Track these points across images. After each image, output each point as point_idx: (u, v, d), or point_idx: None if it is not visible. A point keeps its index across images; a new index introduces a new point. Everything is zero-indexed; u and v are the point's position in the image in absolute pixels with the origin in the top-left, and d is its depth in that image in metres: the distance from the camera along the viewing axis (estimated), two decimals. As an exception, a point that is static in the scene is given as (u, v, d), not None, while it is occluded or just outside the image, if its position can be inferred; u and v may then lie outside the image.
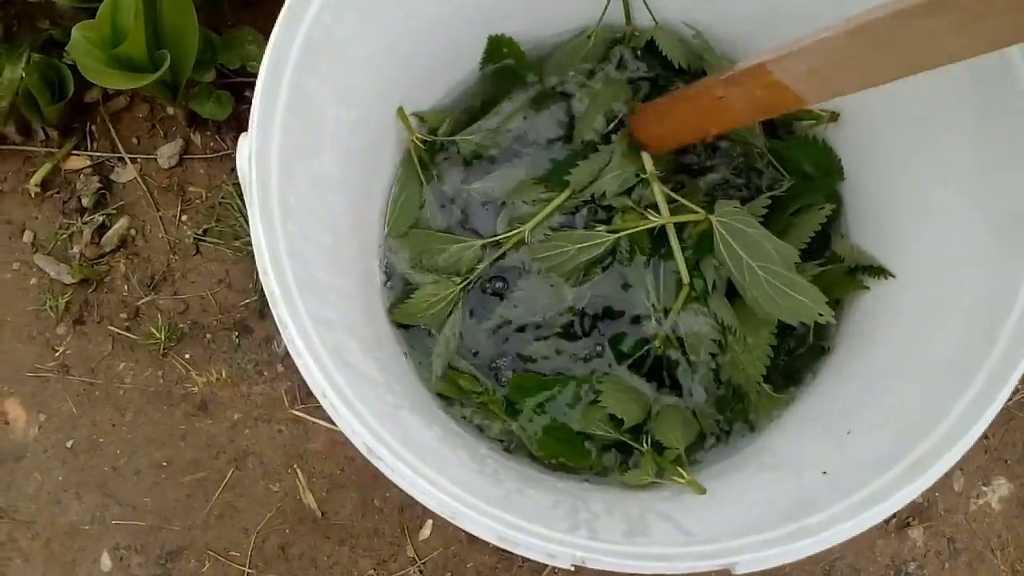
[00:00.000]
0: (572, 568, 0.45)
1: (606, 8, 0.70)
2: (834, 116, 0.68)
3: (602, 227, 0.67)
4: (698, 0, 0.70)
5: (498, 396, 0.66)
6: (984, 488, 0.88)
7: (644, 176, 0.66)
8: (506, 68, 0.72)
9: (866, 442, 0.53)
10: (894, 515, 0.87)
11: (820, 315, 0.57)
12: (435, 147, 0.71)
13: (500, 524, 0.45)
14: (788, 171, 0.70)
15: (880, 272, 0.63)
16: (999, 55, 0.50)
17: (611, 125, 0.71)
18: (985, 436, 0.89)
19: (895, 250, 0.62)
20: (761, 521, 0.48)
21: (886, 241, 0.63)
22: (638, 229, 0.65)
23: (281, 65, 0.51)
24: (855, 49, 0.46)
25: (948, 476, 0.88)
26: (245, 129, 0.49)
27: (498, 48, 0.71)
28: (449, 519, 0.45)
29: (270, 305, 0.48)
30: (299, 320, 0.47)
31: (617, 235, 0.66)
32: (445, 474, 0.48)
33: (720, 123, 0.61)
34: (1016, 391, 0.90)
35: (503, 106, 0.71)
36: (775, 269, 0.58)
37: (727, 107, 0.58)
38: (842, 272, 0.65)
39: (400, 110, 0.67)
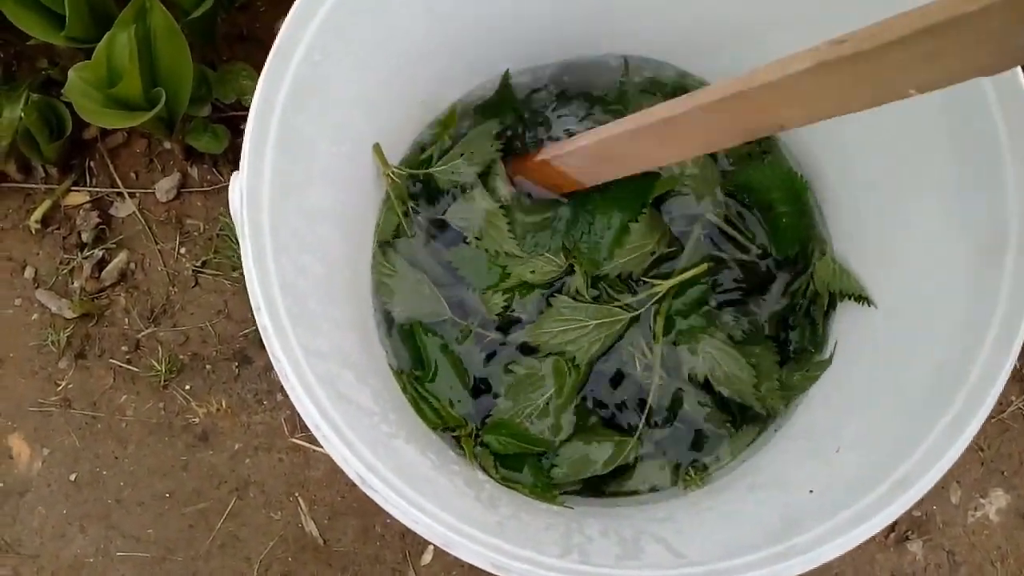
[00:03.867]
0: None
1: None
2: None
3: (618, 301, 0.68)
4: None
5: (473, 431, 0.67)
6: (982, 500, 0.89)
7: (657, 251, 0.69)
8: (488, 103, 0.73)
9: (851, 461, 0.53)
10: (892, 529, 0.87)
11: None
12: (415, 181, 0.72)
13: (494, 552, 0.45)
14: (757, 201, 0.71)
15: (862, 299, 0.64)
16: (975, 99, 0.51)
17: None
18: (981, 448, 0.90)
19: (876, 270, 0.63)
20: (750, 542, 0.48)
21: (867, 262, 0.64)
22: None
23: (270, 105, 0.52)
24: (603, 152, 0.61)
25: (945, 489, 0.89)
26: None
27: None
28: (443, 548, 0.46)
29: (263, 340, 0.49)
30: (292, 354, 0.48)
31: (639, 311, 0.67)
32: (439, 502, 0.48)
33: (613, 172, 0.67)
34: (1011, 402, 0.91)
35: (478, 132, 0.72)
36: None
37: (550, 177, 0.68)
38: (804, 369, 0.67)
39: (376, 146, 0.67)
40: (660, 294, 0.67)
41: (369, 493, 0.46)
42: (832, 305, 0.69)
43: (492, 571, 0.45)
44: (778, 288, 0.71)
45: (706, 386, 0.68)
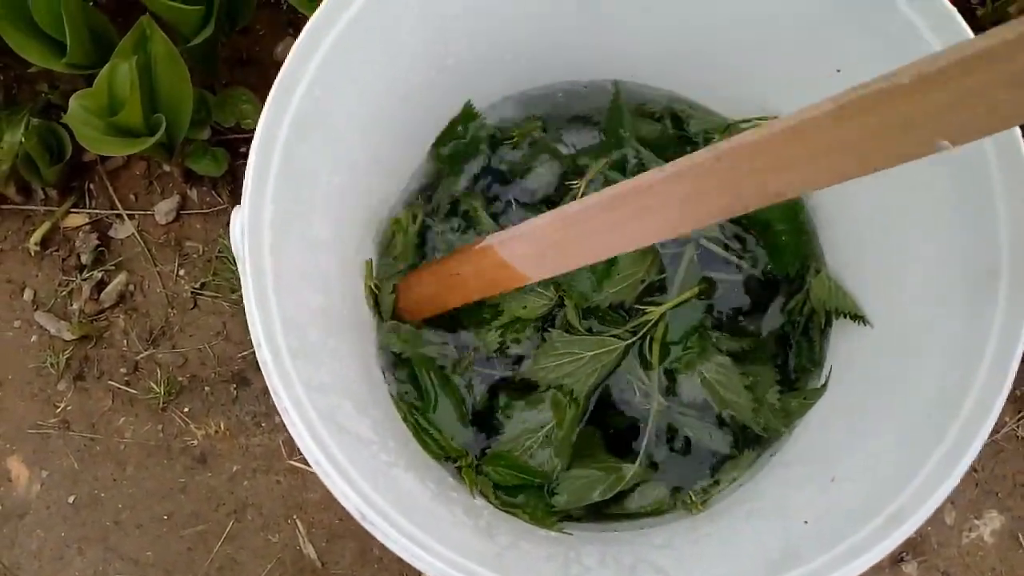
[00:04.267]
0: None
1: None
2: None
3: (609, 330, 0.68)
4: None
5: (473, 462, 0.67)
6: (976, 521, 0.89)
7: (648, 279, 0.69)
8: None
9: (847, 491, 0.54)
10: (888, 550, 0.87)
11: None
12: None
13: (493, 586, 0.46)
14: (754, 220, 0.71)
15: (857, 318, 0.64)
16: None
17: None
18: (975, 470, 0.90)
19: (874, 300, 0.63)
20: (749, 573, 0.49)
21: (866, 292, 0.65)
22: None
23: (272, 139, 0.53)
24: (563, 235, 0.53)
25: (940, 510, 0.89)
26: (241, 185, 0.51)
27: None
28: (442, 582, 0.46)
29: (264, 375, 0.49)
30: (292, 389, 0.48)
31: (633, 339, 0.68)
32: (438, 535, 0.49)
33: (457, 298, 0.65)
34: (1005, 423, 0.91)
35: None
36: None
37: (464, 283, 0.62)
38: (802, 396, 0.68)
39: (368, 263, 0.69)
40: (653, 321, 0.68)
41: (369, 528, 0.47)
42: (828, 323, 0.69)
43: (492, 606, 0.45)
44: (775, 307, 0.71)
45: (705, 410, 0.69)
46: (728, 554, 0.56)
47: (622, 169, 0.72)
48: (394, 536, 0.46)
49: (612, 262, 0.67)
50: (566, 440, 0.68)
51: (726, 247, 0.72)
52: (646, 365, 0.68)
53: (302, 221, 0.57)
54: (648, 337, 0.69)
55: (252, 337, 0.49)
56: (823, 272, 0.68)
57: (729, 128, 0.73)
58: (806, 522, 0.54)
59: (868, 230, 0.65)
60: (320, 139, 0.58)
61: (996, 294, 0.50)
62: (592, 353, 0.67)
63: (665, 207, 0.45)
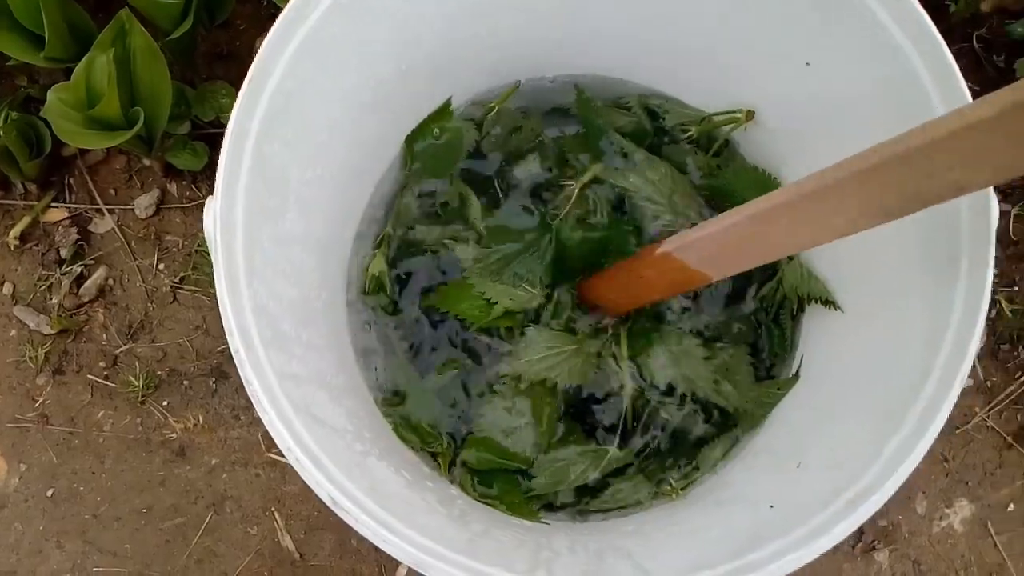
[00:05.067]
0: (531, 609, 0.47)
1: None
2: (750, 114, 0.72)
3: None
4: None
5: (448, 451, 0.68)
6: (947, 510, 0.91)
7: None
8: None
9: (810, 477, 0.55)
10: (859, 539, 0.89)
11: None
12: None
13: (463, 571, 0.47)
14: (733, 203, 0.72)
15: (829, 303, 0.66)
16: (924, 103, 0.54)
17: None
18: (946, 459, 0.92)
19: (841, 286, 0.65)
20: (713, 557, 0.50)
21: (835, 284, 0.66)
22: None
23: (245, 132, 0.53)
24: (734, 240, 0.53)
25: (911, 499, 0.91)
26: None
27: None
28: (414, 568, 0.47)
29: (236, 364, 0.50)
30: (264, 379, 0.49)
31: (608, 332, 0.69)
32: (411, 522, 0.50)
33: (650, 296, 0.67)
34: (975, 414, 0.93)
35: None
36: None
37: (650, 284, 0.63)
38: (775, 387, 0.69)
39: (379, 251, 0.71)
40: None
41: (340, 514, 0.48)
42: (801, 309, 0.71)
43: (460, 589, 0.46)
44: (747, 293, 0.73)
45: (680, 398, 0.70)
46: (696, 539, 0.57)
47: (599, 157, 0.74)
48: (364, 520, 0.46)
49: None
50: (545, 435, 0.69)
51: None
52: (618, 355, 0.69)
53: (275, 214, 0.58)
54: (624, 330, 0.70)
55: (224, 326, 0.50)
56: (795, 258, 0.69)
57: (703, 121, 0.74)
58: (772, 507, 0.55)
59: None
60: (292, 133, 0.58)
61: (956, 281, 0.51)
62: (574, 347, 0.68)
63: (847, 207, 0.45)
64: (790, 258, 0.70)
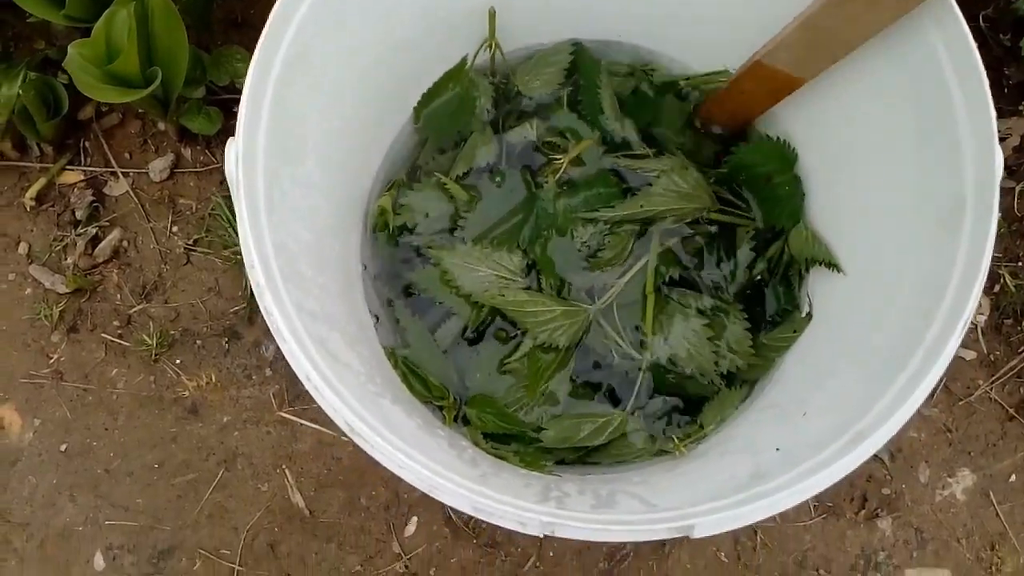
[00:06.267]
0: (542, 536, 0.48)
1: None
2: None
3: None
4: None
5: (456, 404, 0.70)
6: (949, 480, 0.92)
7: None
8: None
9: (816, 422, 0.56)
10: (863, 506, 0.90)
11: None
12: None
13: (475, 495, 0.48)
14: (752, 176, 0.74)
15: (832, 266, 0.67)
16: (931, 62, 0.55)
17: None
18: (949, 430, 0.93)
19: (845, 242, 0.66)
20: (719, 492, 0.51)
21: (839, 235, 0.67)
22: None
23: (265, 76, 0.54)
24: (811, 35, 0.59)
25: (914, 468, 0.92)
26: None
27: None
28: (427, 492, 0.48)
29: (256, 297, 0.51)
30: (284, 309, 0.50)
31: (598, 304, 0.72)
32: (424, 453, 0.51)
33: (756, 109, 0.72)
34: (978, 386, 0.94)
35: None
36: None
37: (753, 96, 0.70)
38: (791, 329, 0.70)
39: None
40: (615, 289, 0.72)
41: (356, 440, 0.49)
42: (807, 269, 0.72)
43: (472, 513, 0.47)
44: (744, 258, 0.74)
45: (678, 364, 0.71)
46: (701, 483, 0.58)
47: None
48: (381, 445, 0.47)
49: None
50: (548, 390, 0.70)
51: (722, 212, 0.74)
52: (616, 328, 0.71)
53: (294, 158, 0.59)
54: (613, 303, 0.72)
55: (245, 259, 0.51)
56: (801, 222, 0.70)
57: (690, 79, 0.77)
58: (777, 450, 0.56)
59: (842, 178, 0.67)
60: (311, 80, 0.59)
61: (960, 231, 0.52)
62: (563, 308, 0.70)
63: None
64: (796, 222, 0.71)
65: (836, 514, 0.90)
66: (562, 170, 0.74)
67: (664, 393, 0.71)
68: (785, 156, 0.72)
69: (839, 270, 0.67)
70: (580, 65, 0.77)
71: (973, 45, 0.52)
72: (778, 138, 0.72)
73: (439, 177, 0.74)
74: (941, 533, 0.90)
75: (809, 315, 0.69)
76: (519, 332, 0.72)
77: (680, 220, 0.73)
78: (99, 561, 0.86)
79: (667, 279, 0.72)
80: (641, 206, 0.71)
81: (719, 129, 0.77)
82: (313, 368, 0.49)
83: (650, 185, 0.72)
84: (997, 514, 0.91)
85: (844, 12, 0.56)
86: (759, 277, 0.73)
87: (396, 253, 0.74)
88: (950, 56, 0.54)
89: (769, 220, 0.74)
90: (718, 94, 0.73)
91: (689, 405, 0.71)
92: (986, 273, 0.51)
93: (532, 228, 0.73)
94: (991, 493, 0.91)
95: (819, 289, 0.69)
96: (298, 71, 0.57)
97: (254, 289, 0.51)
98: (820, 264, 0.68)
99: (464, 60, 0.75)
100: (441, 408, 0.70)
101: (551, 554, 0.87)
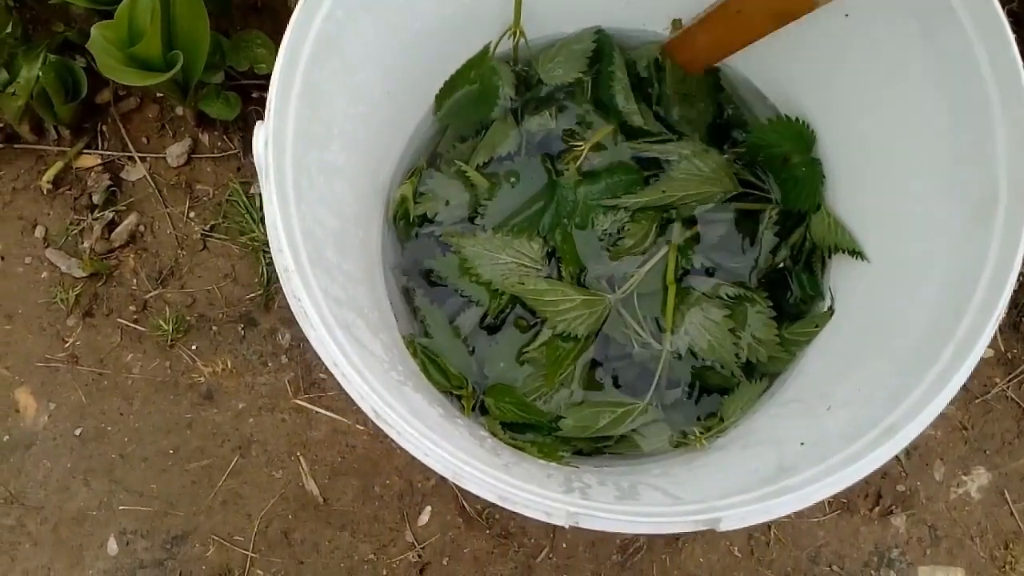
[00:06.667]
0: (568, 527, 0.48)
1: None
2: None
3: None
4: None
5: (474, 393, 0.70)
6: (964, 477, 0.91)
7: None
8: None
9: (842, 415, 0.56)
10: (877, 503, 0.90)
11: None
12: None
13: (500, 483, 0.47)
14: (770, 156, 0.73)
15: (856, 254, 0.66)
16: (965, 50, 0.54)
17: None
18: (965, 428, 0.92)
19: (873, 233, 0.65)
20: (744, 485, 0.51)
21: (865, 224, 0.66)
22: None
23: (295, 57, 0.54)
24: None
25: (929, 466, 0.91)
26: (252, 129, 0.53)
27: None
28: (452, 479, 0.48)
29: (282, 282, 0.51)
30: (312, 294, 0.50)
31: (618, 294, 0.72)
32: (449, 441, 0.50)
33: (744, 37, 0.66)
34: (995, 384, 0.94)
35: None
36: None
37: (749, 20, 0.63)
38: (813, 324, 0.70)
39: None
40: (635, 279, 0.72)
41: (383, 427, 0.48)
42: (830, 255, 0.71)
43: (498, 502, 0.47)
44: (766, 246, 0.74)
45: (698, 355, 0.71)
46: (725, 474, 0.58)
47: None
48: (408, 432, 0.47)
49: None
50: (567, 378, 0.70)
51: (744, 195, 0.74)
52: (636, 318, 0.70)
53: (321, 142, 0.59)
54: (633, 292, 0.71)
55: (272, 244, 0.51)
56: (823, 207, 0.70)
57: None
58: (802, 444, 0.55)
59: (867, 165, 0.67)
60: (339, 64, 0.59)
61: (993, 222, 0.52)
62: (583, 298, 0.69)
63: None
64: (819, 206, 0.71)
65: (850, 510, 0.90)
66: (582, 157, 0.74)
67: (684, 384, 0.71)
68: (803, 136, 0.71)
69: (863, 257, 0.66)
70: (601, 52, 0.76)
71: (1010, 36, 0.51)
72: (796, 119, 0.71)
73: (460, 165, 0.73)
74: (955, 531, 0.90)
75: (831, 309, 0.68)
76: (538, 321, 0.72)
77: (702, 204, 0.73)
78: (112, 546, 0.86)
79: (689, 268, 0.72)
80: (663, 191, 0.71)
81: (683, 68, 0.73)
82: (341, 353, 0.49)
83: (671, 170, 0.72)
84: (1012, 513, 0.91)
85: None
86: (782, 264, 0.72)
87: (417, 242, 0.74)
88: (985, 46, 0.53)
89: (789, 202, 0.73)
90: (705, 16, 0.68)
91: (710, 397, 0.71)
92: (1019, 268, 0.51)
93: (552, 216, 0.73)
94: (1006, 492, 0.91)
95: (843, 280, 0.69)
96: (327, 54, 0.57)
97: (281, 274, 0.50)
98: (843, 251, 0.68)
99: (486, 48, 0.74)
100: (459, 398, 0.70)
101: (564, 545, 0.87)
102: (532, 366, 0.71)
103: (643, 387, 0.70)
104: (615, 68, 0.74)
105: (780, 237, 0.73)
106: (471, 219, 0.74)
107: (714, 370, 0.70)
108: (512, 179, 0.75)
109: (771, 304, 0.69)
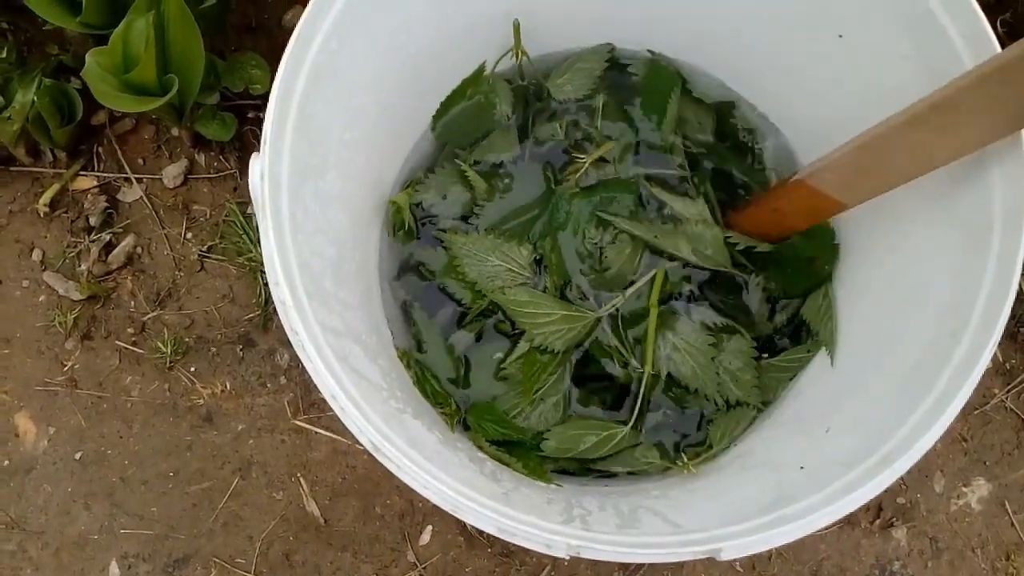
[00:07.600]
0: (567, 558, 0.48)
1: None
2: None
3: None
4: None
5: (457, 412, 0.70)
6: (964, 489, 0.91)
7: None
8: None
9: (840, 441, 0.56)
10: (878, 515, 0.90)
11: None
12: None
13: (499, 516, 0.47)
14: (795, 256, 0.73)
15: (827, 349, 0.68)
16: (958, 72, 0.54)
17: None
18: (964, 439, 0.92)
19: (868, 255, 0.65)
20: (744, 513, 0.51)
21: (861, 245, 0.67)
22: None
23: (291, 88, 0.54)
24: (867, 160, 0.55)
25: (929, 477, 0.91)
26: (248, 149, 0.53)
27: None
28: (451, 512, 0.48)
29: (280, 315, 0.51)
30: (310, 327, 0.50)
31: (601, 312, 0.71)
32: (447, 472, 0.50)
33: (782, 229, 0.69)
34: (994, 395, 0.94)
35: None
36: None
37: (783, 216, 0.66)
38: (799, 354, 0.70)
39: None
40: (619, 300, 0.72)
41: (382, 460, 0.48)
42: (808, 333, 0.72)
43: (497, 534, 0.47)
44: (760, 308, 0.74)
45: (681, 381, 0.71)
46: (724, 498, 0.58)
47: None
48: (407, 466, 0.47)
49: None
50: (550, 393, 0.70)
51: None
52: (620, 338, 0.70)
53: (316, 172, 0.59)
54: (618, 312, 0.72)
55: (269, 278, 0.51)
56: (824, 287, 0.70)
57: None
58: (802, 468, 0.55)
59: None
60: (334, 91, 0.59)
61: (988, 248, 0.52)
62: (564, 312, 0.69)
63: (968, 121, 0.48)
64: (819, 285, 0.71)
65: (851, 523, 0.90)
66: (582, 170, 0.74)
67: (667, 408, 0.71)
68: (835, 248, 0.71)
69: (831, 358, 0.67)
70: (654, 73, 0.77)
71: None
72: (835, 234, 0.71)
73: (459, 164, 0.74)
74: (956, 543, 0.90)
75: (817, 342, 0.69)
76: (519, 332, 0.72)
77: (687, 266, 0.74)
78: (114, 570, 0.86)
79: (677, 295, 0.72)
80: (655, 237, 0.71)
81: (746, 240, 0.72)
82: (339, 386, 0.49)
83: (671, 222, 0.72)
84: (1013, 524, 0.91)
85: (911, 138, 0.51)
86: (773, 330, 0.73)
87: (411, 247, 0.74)
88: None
89: (791, 290, 0.73)
90: (747, 207, 0.71)
91: (697, 422, 0.71)
92: (1015, 294, 0.51)
93: (544, 224, 0.73)
94: (1007, 503, 0.91)
95: (840, 304, 0.69)
96: (322, 83, 0.57)
97: (279, 308, 0.50)
98: (815, 339, 0.69)
99: (481, 68, 0.74)
100: (444, 415, 0.70)
101: (566, 563, 0.87)
102: (509, 383, 0.71)
103: (627, 410, 0.70)
104: (673, 95, 0.75)
105: (771, 304, 0.73)
106: (466, 219, 0.74)
107: (697, 395, 0.70)
108: (510, 184, 0.75)
109: (755, 344, 0.69)
